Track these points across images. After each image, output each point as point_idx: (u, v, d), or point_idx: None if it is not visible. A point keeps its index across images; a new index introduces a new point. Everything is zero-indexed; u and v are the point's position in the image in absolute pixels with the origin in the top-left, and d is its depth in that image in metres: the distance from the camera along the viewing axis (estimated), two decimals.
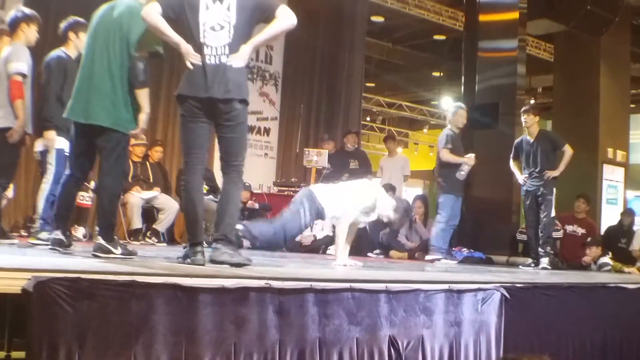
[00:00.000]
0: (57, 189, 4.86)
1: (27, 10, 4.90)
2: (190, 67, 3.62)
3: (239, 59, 3.62)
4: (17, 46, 4.75)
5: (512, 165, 7.49)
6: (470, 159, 7.19)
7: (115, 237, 3.84)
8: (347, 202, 4.94)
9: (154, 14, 3.59)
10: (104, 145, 3.76)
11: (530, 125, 7.23)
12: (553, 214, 7.16)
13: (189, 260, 3.58)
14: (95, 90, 3.72)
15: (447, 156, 7.26)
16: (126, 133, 3.77)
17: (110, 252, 3.65)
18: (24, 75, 4.65)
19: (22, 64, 4.65)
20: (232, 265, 3.54)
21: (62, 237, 3.85)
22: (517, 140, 7.52)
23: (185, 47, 3.61)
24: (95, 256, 3.65)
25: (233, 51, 3.61)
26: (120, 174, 3.88)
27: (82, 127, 3.83)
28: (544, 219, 7.10)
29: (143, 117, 3.76)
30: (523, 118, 7.27)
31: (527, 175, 7.17)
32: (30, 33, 4.80)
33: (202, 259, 3.58)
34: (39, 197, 5.18)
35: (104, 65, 3.72)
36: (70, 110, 3.87)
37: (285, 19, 3.60)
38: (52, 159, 5.15)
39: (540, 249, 7.06)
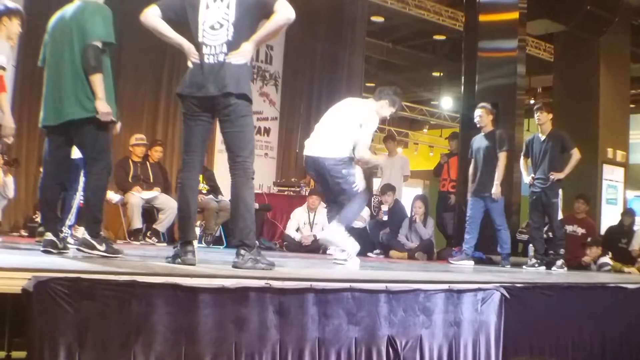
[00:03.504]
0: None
1: (11, 4, 4.84)
2: (191, 66, 3.63)
3: (239, 56, 3.59)
4: None
5: (522, 163, 7.40)
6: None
7: (102, 233, 3.82)
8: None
9: (151, 16, 3.60)
10: (85, 141, 3.80)
11: (543, 123, 7.13)
12: (560, 216, 7.13)
13: (179, 259, 3.53)
14: (64, 90, 3.76)
15: None
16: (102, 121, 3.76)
17: (94, 247, 3.65)
18: (2, 68, 4.57)
19: (0, 57, 4.57)
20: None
21: (53, 238, 3.83)
22: (529, 138, 7.45)
23: (188, 47, 3.62)
24: (79, 250, 3.66)
25: (233, 49, 3.59)
26: (105, 168, 3.85)
27: (59, 131, 3.86)
28: (552, 223, 7.10)
29: (97, 103, 3.70)
30: (536, 115, 7.19)
31: (533, 175, 7.12)
32: (11, 27, 4.72)
33: (193, 258, 3.55)
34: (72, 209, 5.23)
35: (69, 64, 3.76)
36: (45, 117, 3.89)
37: (283, 13, 3.56)
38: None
39: (551, 252, 7.08)
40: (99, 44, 3.75)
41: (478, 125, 7.37)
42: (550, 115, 7.19)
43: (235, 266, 3.48)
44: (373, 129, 5.21)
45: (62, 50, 3.81)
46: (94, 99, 3.72)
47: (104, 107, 3.72)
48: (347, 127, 5.12)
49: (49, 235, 3.86)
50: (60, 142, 3.92)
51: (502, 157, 7.05)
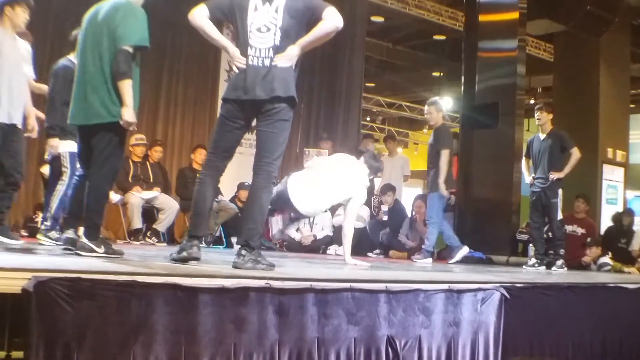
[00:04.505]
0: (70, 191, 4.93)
1: None
2: (236, 70, 3.63)
3: (285, 59, 3.60)
4: None
5: (524, 163, 7.41)
6: None
7: (101, 236, 3.82)
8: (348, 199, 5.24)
9: (199, 16, 3.60)
10: (98, 143, 3.77)
11: (543, 123, 7.15)
12: (560, 216, 7.12)
13: (185, 253, 3.53)
14: (91, 91, 3.73)
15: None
16: (121, 126, 3.74)
17: (92, 251, 3.65)
18: None
19: None
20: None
21: (74, 236, 3.85)
22: (530, 138, 7.47)
23: (232, 51, 3.62)
24: (78, 255, 3.66)
25: (279, 54, 3.60)
26: (110, 174, 3.84)
27: (84, 129, 3.87)
28: (552, 223, 7.08)
29: (123, 110, 3.67)
30: (536, 115, 7.20)
31: (533, 175, 7.13)
32: (16, 17, 4.59)
33: (198, 252, 3.57)
34: (54, 198, 5.24)
35: (97, 66, 3.73)
36: (71, 115, 3.91)
37: (331, 20, 3.58)
38: (66, 162, 5.24)
39: (551, 252, 7.07)
40: (130, 49, 3.69)
41: (429, 123, 7.42)
42: (551, 115, 7.20)
43: (235, 266, 3.50)
44: (362, 201, 5.55)
45: (92, 50, 3.77)
46: (119, 104, 3.69)
47: (129, 116, 3.69)
48: (340, 196, 5.32)
49: (70, 234, 3.89)
50: (88, 139, 3.86)
51: (443, 154, 7.04)
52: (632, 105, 12.79)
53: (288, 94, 3.60)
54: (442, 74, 16.40)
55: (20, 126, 4.65)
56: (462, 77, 10.09)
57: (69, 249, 3.82)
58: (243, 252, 3.54)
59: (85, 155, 3.93)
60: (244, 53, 3.62)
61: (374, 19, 12.73)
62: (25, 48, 4.83)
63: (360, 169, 5.44)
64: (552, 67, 12.58)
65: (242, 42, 3.64)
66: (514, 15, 9.40)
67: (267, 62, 3.60)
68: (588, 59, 10.98)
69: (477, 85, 9.62)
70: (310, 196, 5.16)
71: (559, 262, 6.89)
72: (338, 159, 5.61)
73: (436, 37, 13.94)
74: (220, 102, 3.94)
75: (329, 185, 5.22)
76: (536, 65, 13.17)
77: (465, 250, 7.00)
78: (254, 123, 3.75)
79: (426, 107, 7.45)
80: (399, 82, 16.58)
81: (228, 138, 3.72)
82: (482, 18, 9.69)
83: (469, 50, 9.95)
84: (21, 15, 4.64)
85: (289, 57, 3.61)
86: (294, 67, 3.66)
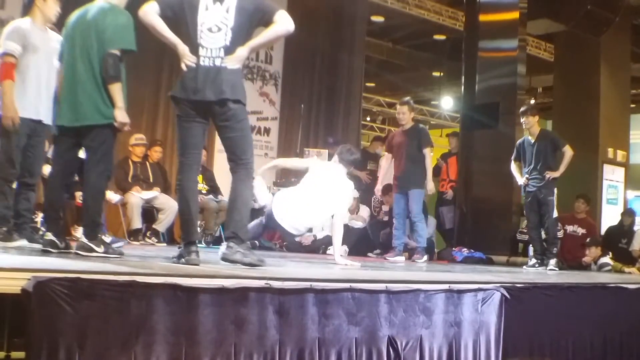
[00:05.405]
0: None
1: None
2: (185, 68, 3.63)
3: (235, 61, 3.63)
4: (11, 25, 4.51)
5: (513, 166, 7.39)
6: None
7: (100, 235, 3.82)
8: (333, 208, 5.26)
9: (150, 13, 3.61)
10: (91, 144, 3.78)
11: (530, 126, 7.17)
12: (555, 214, 7.11)
13: (183, 260, 3.56)
14: (81, 92, 3.74)
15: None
16: (113, 127, 3.75)
17: (92, 250, 3.65)
18: (11, 55, 4.38)
19: (9, 43, 4.39)
20: (245, 265, 3.55)
21: (53, 238, 3.82)
22: (519, 141, 7.47)
23: (182, 49, 3.63)
24: (78, 255, 3.65)
25: (229, 54, 3.62)
26: (105, 172, 3.84)
27: (72, 130, 3.85)
28: (547, 221, 7.06)
29: (116, 112, 3.70)
30: (522, 120, 7.23)
31: (527, 176, 7.13)
32: (47, 9, 4.51)
33: (197, 258, 3.57)
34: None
35: (87, 67, 3.74)
36: (59, 116, 3.90)
37: (283, 24, 3.62)
38: None
39: (546, 251, 7.05)
40: (118, 52, 3.71)
41: (400, 122, 7.42)
42: (537, 118, 7.23)
43: (223, 257, 3.53)
44: (349, 201, 5.77)
45: (80, 52, 3.77)
46: (111, 105, 3.71)
47: (122, 117, 3.72)
48: (329, 210, 5.35)
49: (49, 235, 3.85)
50: (71, 144, 3.90)
51: (428, 154, 7.16)
52: (632, 105, 12.77)
53: (235, 97, 3.64)
54: (442, 74, 16.37)
55: (46, 122, 4.56)
56: (463, 77, 10.08)
57: (49, 251, 3.79)
58: (231, 243, 3.58)
59: (66, 154, 3.92)
60: (195, 53, 3.62)
61: (374, 18, 12.71)
62: (59, 41, 4.75)
63: (338, 171, 5.51)
64: (553, 67, 12.55)
65: (192, 42, 3.64)
66: (515, 15, 9.40)
67: (217, 62, 3.62)
68: (588, 58, 10.96)
69: (478, 85, 9.61)
70: (296, 215, 5.24)
71: (552, 261, 6.86)
72: (316, 173, 5.57)
73: (436, 36, 13.92)
74: None
75: (315, 202, 5.29)
76: (536, 65, 13.15)
77: (425, 258, 7.04)
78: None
79: (398, 107, 7.46)
80: (399, 82, 16.56)
81: (192, 133, 3.75)
82: (483, 18, 9.69)
83: (469, 50, 9.94)
84: (53, 7, 4.56)
85: (238, 59, 3.64)
86: (241, 69, 3.72)
